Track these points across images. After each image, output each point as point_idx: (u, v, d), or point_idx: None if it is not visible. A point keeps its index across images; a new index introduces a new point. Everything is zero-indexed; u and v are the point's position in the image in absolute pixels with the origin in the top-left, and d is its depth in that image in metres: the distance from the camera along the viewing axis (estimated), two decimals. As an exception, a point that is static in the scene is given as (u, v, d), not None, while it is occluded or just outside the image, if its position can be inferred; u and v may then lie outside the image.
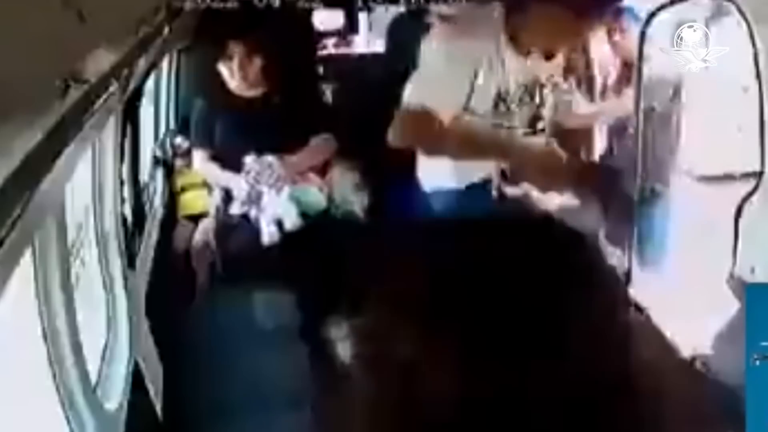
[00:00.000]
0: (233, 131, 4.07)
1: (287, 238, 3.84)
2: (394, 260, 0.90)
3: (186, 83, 4.46)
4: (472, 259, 0.87)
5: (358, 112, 4.35)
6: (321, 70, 5.28)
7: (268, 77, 4.11)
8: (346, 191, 4.11)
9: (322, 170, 4.14)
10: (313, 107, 4.35)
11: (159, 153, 4.23)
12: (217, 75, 4.06)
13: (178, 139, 4.23)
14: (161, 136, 4.29)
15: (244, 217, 3.95)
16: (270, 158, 3.96)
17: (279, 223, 3.87)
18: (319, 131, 4.12)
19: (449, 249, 0.89)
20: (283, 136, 4.01)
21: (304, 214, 3.91)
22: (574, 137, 3.55)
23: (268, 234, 3.84)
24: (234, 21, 3.86)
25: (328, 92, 5.13)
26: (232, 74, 4.03)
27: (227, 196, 4.04)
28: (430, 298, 0.86)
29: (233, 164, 4.01)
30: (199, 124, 4.15)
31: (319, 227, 3.91)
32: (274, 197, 3.93)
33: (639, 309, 3.31)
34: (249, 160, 3.95)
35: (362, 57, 5.72)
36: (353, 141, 4.20)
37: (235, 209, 3.96)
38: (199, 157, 4.12)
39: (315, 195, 4.02)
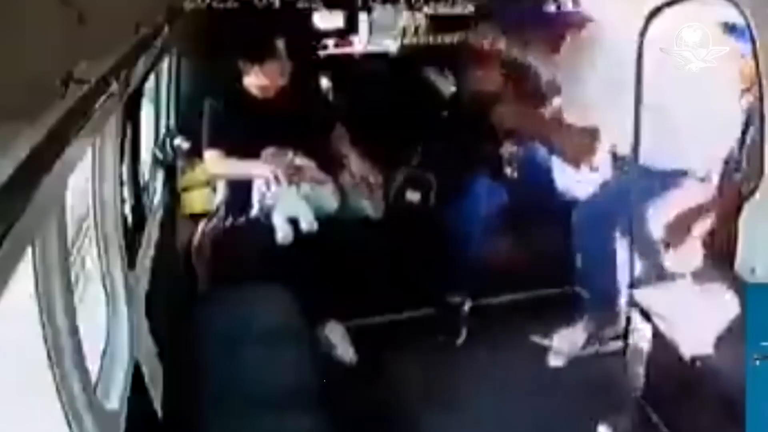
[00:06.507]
0: (245, 131, 4.02)
1: (299, 238, 3.80)
2: None
3: (186, 83, 4.45)
4: None
5: (359, 112, 4.34)
6: (321, 70, 5.27)
7: (284, 79, 4.10)
8: (357, 192, 4.08)
9: (332, 170, 4.11)
10: (312, 107, 4.34)
11: (159, 155, 4.20)
12: (229, 77, 4.05)
13: (178, 140, 4.20)
14: (161, 136, 4.28)
15: (246, 217, 3.94)
16: (289, 152, 3.92)
17: (293, 222, 3.82)
18: (319, 131, 4.11)
19: None
20: (287, 136, 3.99)
21: (318, 217, 3.85)
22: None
23: (282, 233, 3.79)
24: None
25: (328, 92, 5.12)
26: (257, 77, 4.00)
27: (231, 195, 4.03)
28: None
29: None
30: (211, 124, 4.11)
31: (327, 227, 3.88)
32: (289, 193, 3.87)
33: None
34: (267, 153, 3.90)
35: (362, 57, 5.70)
36: (354, 141, 4.19)
37: (252, 203, 3.90)
38: (212, 156, 4.05)
39: (328, 197, 3.98)
